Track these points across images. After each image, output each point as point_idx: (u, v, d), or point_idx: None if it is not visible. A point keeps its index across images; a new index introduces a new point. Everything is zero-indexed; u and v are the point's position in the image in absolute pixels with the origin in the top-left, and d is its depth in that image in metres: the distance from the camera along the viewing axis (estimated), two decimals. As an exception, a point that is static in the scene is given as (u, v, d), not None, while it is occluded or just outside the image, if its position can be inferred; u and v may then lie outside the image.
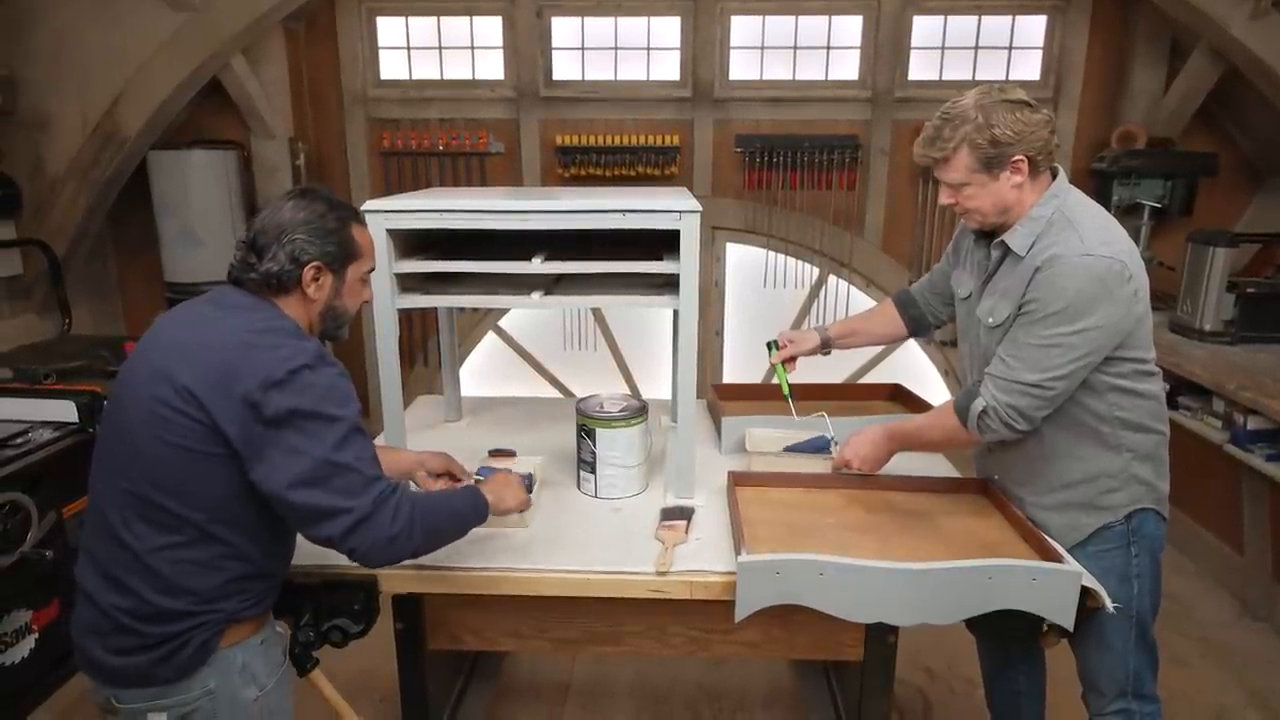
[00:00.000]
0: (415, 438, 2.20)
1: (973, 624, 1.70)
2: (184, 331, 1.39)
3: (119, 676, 1.38)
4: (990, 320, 1.71)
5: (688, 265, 1.78)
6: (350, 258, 1.49)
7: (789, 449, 2.11)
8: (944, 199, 1.71)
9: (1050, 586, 1.52)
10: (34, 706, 2.59)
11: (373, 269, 1.58)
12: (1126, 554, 1.70)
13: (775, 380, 2.17)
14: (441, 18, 4.42)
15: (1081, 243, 1.56)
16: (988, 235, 1.75)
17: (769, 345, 2.17)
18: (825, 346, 2.18)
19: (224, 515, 1.35)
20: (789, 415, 2.15)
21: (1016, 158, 1.59)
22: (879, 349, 4.71)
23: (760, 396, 2.57)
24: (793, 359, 2.16)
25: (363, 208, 1.81)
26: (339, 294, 1.50)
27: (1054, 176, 1.67)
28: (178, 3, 3.76)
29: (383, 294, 1.84)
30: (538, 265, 1.85)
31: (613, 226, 1.79)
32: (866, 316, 2.26)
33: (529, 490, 1.84)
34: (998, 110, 1.57)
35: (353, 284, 1.52)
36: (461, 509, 1.54)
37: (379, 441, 2.20)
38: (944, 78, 4.36)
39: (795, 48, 4.37)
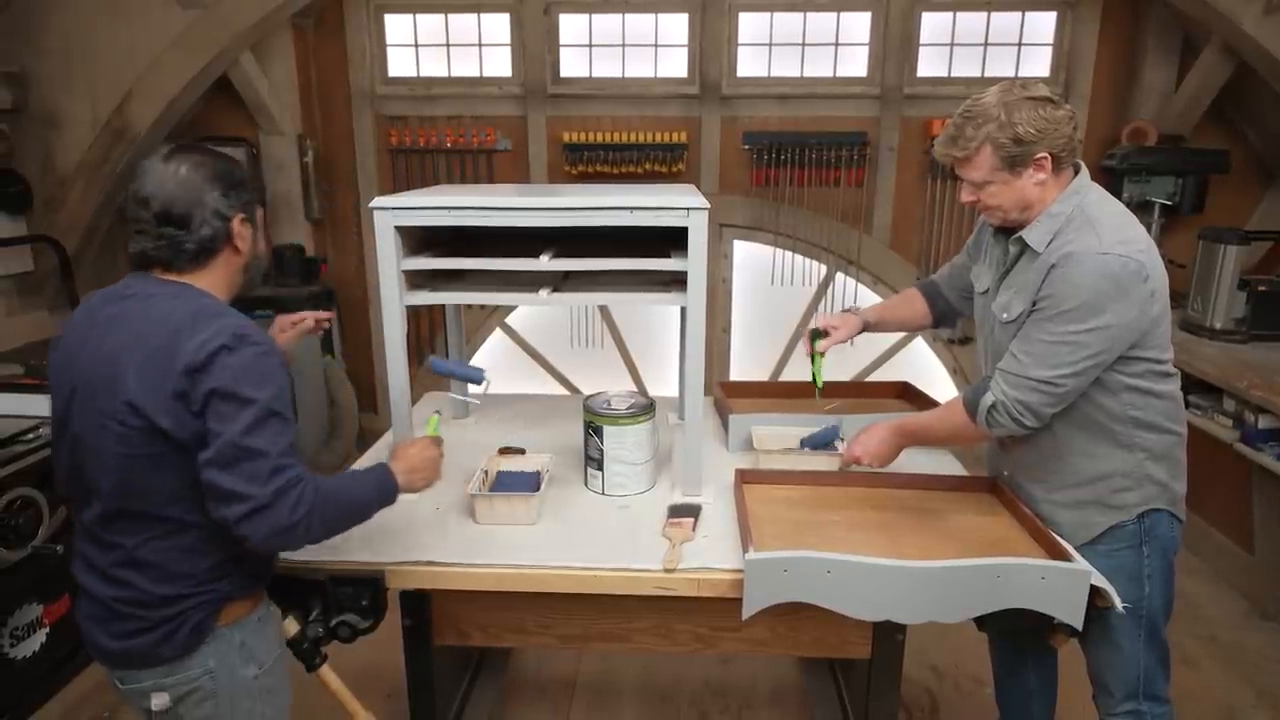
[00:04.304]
0: (422, 434, 2.20)
1: (984, 623, 1.69)
2: (115, 341, 1.34)
3: (122, 659, 1.41)
4: (1004, 316, 1.70)
5: (695, 262, 1.78)
6: (257, 201, 1.50)
7: (805, 442, 2.10)
8: (965, 197, 1.70)
9: (1059, 585, 1.51)
10: (46, 699, 2.61)
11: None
12: (1138, 554, 1.69)
13: (811, 370, 2.10)
14: (449, 15, 4.42)
15: (1098, 241, 1.54)
16: (1006, 230, 1.74)
17: (813, 335, 2.09)
18: (863, 330, 2.13)
19: (195, 504, 1.35)
20: (798, 413, 2.15)
21: (1040, 155, 1.58)
22: (885, 345, 4.71)
23: (768, 394, 2.57)
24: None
25: (371, 205, 1.82)
26: (256, 240, 1.49)
27: (1076, 173, 1.66)
28: (187, 0, 3.78)
29: (391, 291, 1.85)
30: (545, 263, 1.85)
31: (620, 224, 1.78)
32: (896, 305, 2.21)
33: (538, 489, 1.84)
34: (1021, 107, 1.56)
35: (261, 226, 1.52)
36: (368, 497, 1.51)
37: (386, 438, 2.22)
38: (953, 74, 4.34)
39: (803, 44, 4.36)
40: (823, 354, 2.08)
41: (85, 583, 1.42)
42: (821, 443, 2.09)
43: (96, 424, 1.33)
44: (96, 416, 1.33)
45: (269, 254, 1.59)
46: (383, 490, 1.54)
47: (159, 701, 1.43)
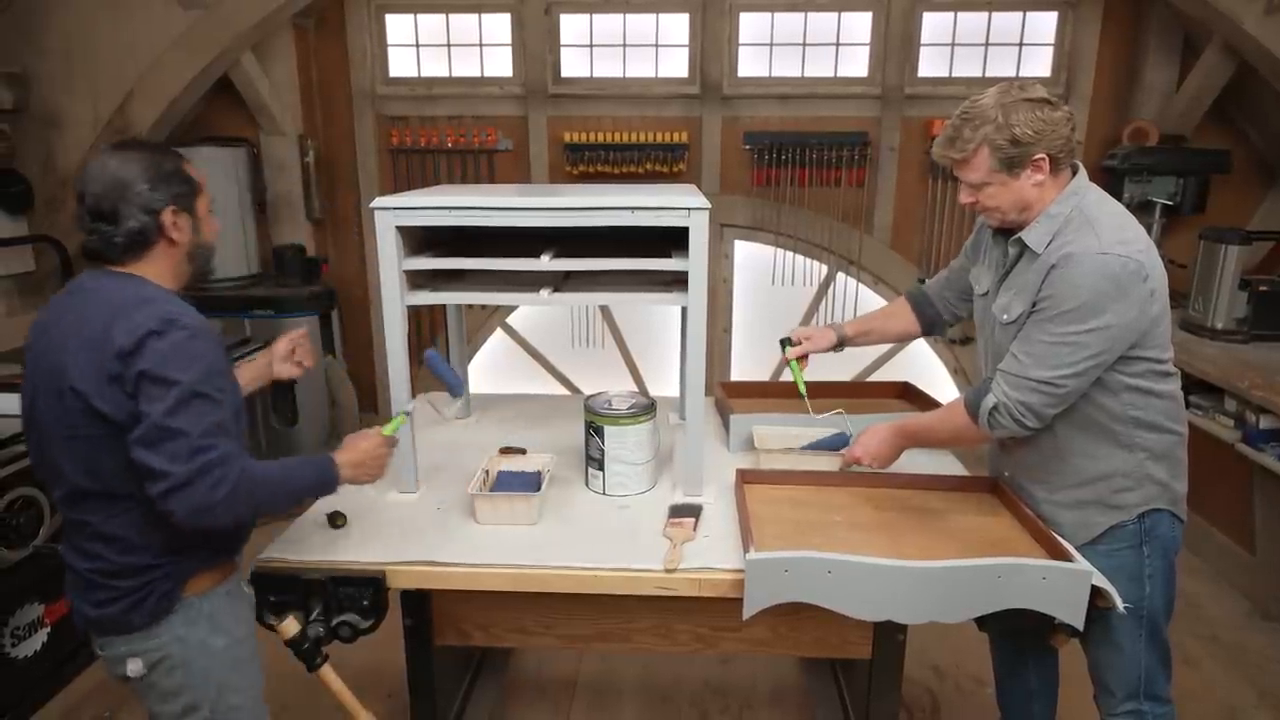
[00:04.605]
0: (424, 433, 2.21)
1: (985, 623, 1.69)
2: (63, 330, 1.42)
3: (99, 625, 1.50)
4: (1004, 317, 1.70)
5: (696, 262, 1.78)
6: (195, 192, 1.52)
7: (807, 447, 2.10)
8: (964, 198, 1.70)
9: (1060, 585, 1.51)
10: (47, 699, 2.61)
11: (212, 198, 1.59)
12: (1139, 554, 1.69)
13: (790, 378, 2.16)
14: (450, 15, 4.43)
15: (1098, 241, 1.55)
16: (1005, 232, 1.74)
17: (782, 343, 2.16)
18: (840, 345, 2.17)
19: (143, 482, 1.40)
20: (799, 413, 2.15)
21: (1038, 156, 1.58)
22: (887, 346, 4.70)
23: (768, 394, 2.57)
24: (805, 356, 2.15)
25: (372, 205, 1.82)
26: (198, 231, 1.53)
27: (1074, 173, 1.66)
28: (189, 0, 3.78)
29: (392, 291, 1.85)
30: (546, 263, 1.85)
31: (621, 224, 1.78)
32: (881, 315, 2.24)
33: (539, 489, 1.84)
34: (1018, 109, 1.56)
35: (205, 217, 1.55)
36: (305, 484, 1.55)
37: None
38: (954, 74, 4.34)
39: (804, 44, 4.36)
40: (798, 362, 2.12)
41: (66, 556, 1.51)
42: (825, 448, 2.10)
43: (51, 410, 1.41)
44: (50, 403, 1.41)
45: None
46: (322, 480, 1.58)
47: (134, 668, 1.51)
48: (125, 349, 1.35)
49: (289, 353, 1.89)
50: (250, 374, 1.86)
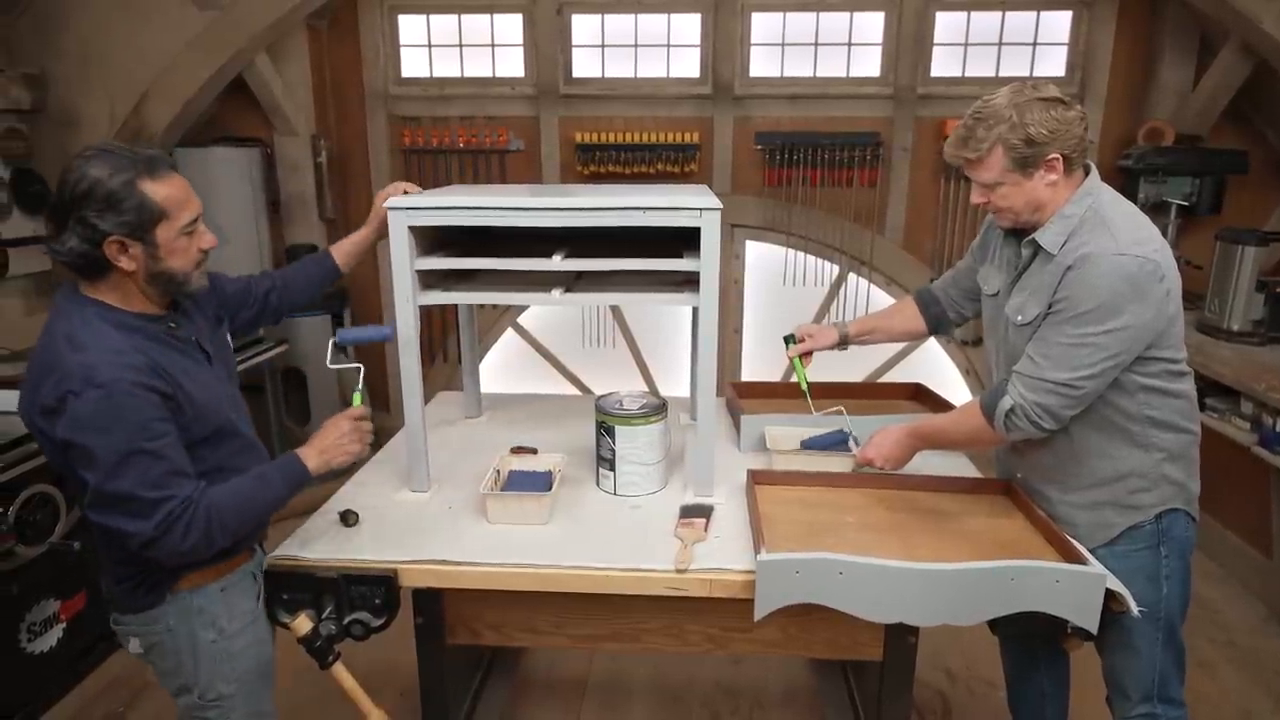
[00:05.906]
0: (435, 433, 2.21)
1: (996, 625, 1.68)
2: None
3: (111, 600, 1.59)
4: (1019, 319, 1.69)
5: (708, 263, 1.77)
6: (152, 221, 1.35)
7: (805, 443, 2.10)
8: (976, 199, 1.69)
9: (1074, 588, 1.50)
10: (61, 694, 2.63)
11: (196, 217, 1.42)
12: (1156, 554, 1.68)
13: (794, 375, 2.17)
14: (462, 15, 4.44)
15: (1114, 241, 1.54)
16: (1017, 232, 1.73)
17: (786, 339, 2.17)
18: (843, 343, 2.16)
19: None
20: (806, 413, 2.14)
21: (1051, 156, 1.57)
22: (898, 347, 4.68)
23: (779, 395, 2.56)
24: (809, 354, 2.15)
25: (385, 205, 1.83)
26: (157, 259, 1.38)
27: (1086, 173, 1.65)
28: (204, 1, 3.81)
29: (404, 291, 1.85)
30: (558, 263, 1.85)
31: (633, 224, 1.78)
32: (887, 314, 2.25)
33: (550, 489, 1.84)
34: (1032, 108, 1.55)
35: (171, 243, 1.38)
36: (276, 495, 1.54)
37: (398, 437, 2.22)
38: (967, 74, 4.31)
39: (816, 44, 4.35)
40: (800, 359, 2.13)
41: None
42: (824, 445, 2.09)
43: None
44: None
45: (201, 263, 1.49)
46: (291, 481, 1.57)
47: (134, 645, 1.60)
48: (48, 407, 1.32)
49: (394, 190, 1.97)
50: (354, 241, 2.07)
